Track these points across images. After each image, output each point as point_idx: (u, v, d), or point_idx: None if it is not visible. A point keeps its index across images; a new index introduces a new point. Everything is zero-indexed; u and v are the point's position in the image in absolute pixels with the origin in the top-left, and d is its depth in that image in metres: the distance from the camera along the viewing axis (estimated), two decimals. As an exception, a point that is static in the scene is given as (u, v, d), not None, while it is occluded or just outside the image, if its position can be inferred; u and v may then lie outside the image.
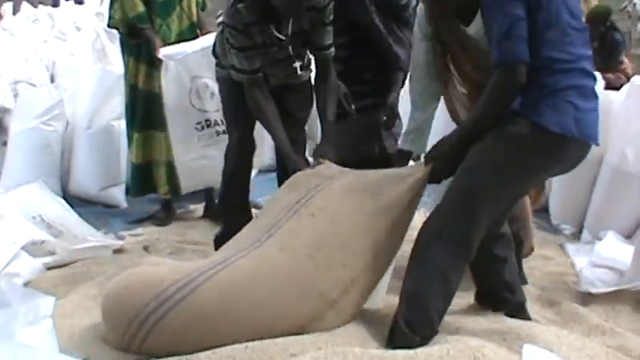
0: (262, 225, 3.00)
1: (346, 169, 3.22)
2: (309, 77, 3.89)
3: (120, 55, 5.02)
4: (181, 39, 4.70)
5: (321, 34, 3.62)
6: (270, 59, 3.61)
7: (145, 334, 2.58)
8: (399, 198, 2.94)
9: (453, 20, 3.24)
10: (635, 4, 13.31)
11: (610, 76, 7.75)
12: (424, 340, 2.73)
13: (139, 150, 4.83)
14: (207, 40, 4.53)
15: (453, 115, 3.44)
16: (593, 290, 3.71)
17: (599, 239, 4.27)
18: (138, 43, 4.70)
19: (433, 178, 2.95)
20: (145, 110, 4.75)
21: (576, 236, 4.65)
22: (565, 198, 4.15)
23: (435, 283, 2.82)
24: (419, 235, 2.90)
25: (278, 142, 3.54)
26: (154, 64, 4.62)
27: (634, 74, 7.56)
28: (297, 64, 3.71)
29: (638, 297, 3.67)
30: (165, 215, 4.97)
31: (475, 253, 2.93)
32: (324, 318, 2.73)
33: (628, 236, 4.30)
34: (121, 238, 4.56)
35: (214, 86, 4.49)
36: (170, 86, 4.56)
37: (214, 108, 4.61)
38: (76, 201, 5.05)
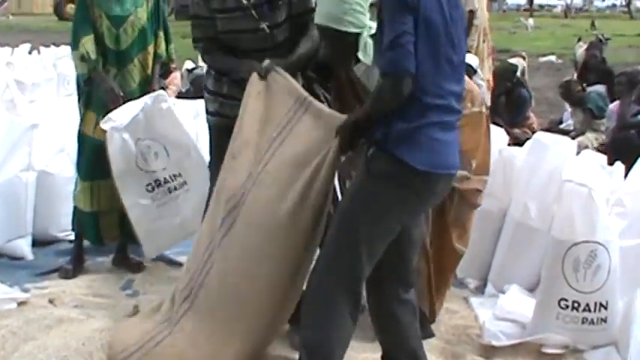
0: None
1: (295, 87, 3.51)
2: (286, 39, 3.91)
3: (29, 105, 4.97)
4: (136, 90, 4.68)
5: (295, 1, 3.82)
6: (236, 25, 3.76)
7: None
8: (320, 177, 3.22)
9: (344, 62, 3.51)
10: (575, 54, 13.76)
11: (517, 131, 8.03)
12: None
13: (87, 198, 4.75)
14: (146, 101, 4.56)
15: None
16: (496, 343, 3.82)
17: (503, 292, 4.36)
18: (88, 90, 4.66)
19: (340, 148, 3.13)
20: (92, 159, 4.67)
21: (480, 290, 4.69)
22: (469, 252, 4.23)
23: (332, 330, 2.99)
24: (308, 282, 3.07)
25: (238, 67, 3.73)
26: (102, 113, 4.56)
27: (540, 130, 7.88)
28: (264, 24, 3.77)
29: (540, 349, 3.80)
30: (74, 267, 4.87)
31: (381, 318, 3.07)
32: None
33: (531, 289, 4.38)
34: (26, 290, 4.48)
35: (157, 146, 4.58)
36: (117, 155, 4.51)
37: (161, 167, 4.63)
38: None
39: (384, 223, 3.01)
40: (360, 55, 3.33)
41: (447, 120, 2.98)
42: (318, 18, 3.36)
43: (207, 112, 4.04)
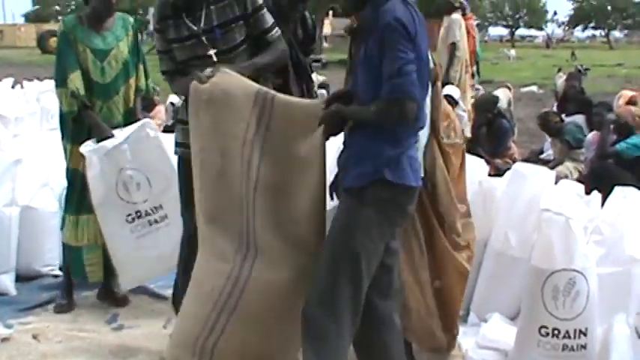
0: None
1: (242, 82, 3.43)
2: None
3: (12, 139, 4.98)
4: (121, 122, 4.73)
5: (257, 20, 3.82)
6: (191, 52, 3.77)
7: None
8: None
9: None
10: (555, 84, 13.92)
11: (498, 161, 8.11)
12: None
13: (74, 232, 4.77)
14: (132, 129, 4.61)
15: None
16: (478, 371, 3.87)
17: (485, 321, 4.41)
18: (76, 126, 4.69)
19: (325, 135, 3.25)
20: (83, 193, 4.68)
21: (463, 319, 4.66)
22: None
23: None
24: (303, 310, 3.11)
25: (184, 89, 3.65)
26: None
27: (522, 160, 7.98)
28: (212, 52, 3.77)
29: (522, 376, 3.85)
30: (68, 301, 4.89)
31: (366, 341, 3.14)
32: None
33: (512, 318, 4.42)
34: (9, 326, 4.49)
35: (140, 177, 4.59)
36: (96, 182, 4.53)
37: (142, 198, 4.63)
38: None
39: (380, 244, 3.17)
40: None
41: (416, 139, 3.26)
42: None
43: (177, 144, 4.00)
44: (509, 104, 10.75)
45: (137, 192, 4.63)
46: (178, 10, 3.70)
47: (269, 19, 3.86)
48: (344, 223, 3.15)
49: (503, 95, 10.52)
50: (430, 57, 3.37)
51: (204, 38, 3.75)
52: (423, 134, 3.61)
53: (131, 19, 4.94)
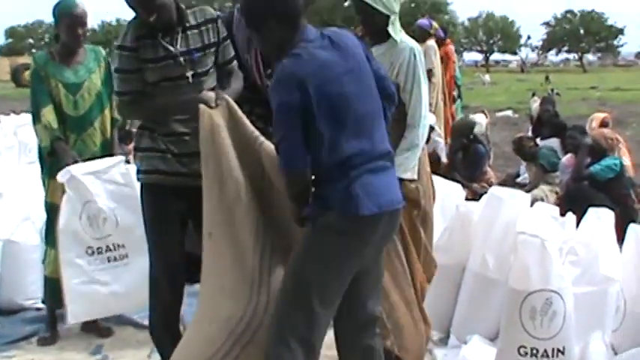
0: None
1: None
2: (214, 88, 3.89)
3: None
4: (98, 154, 4.77)
5: (225, 48, 3.87)
6: (166, 73, 3.77)
7: None
8: None
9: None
10: (530, 109, 14.10)
11: (475, 186, 8.19)
12: None
13: (55, 265, 4.72)
14: (105, 163, 4.65)
15: None
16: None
17: (465, 343, 4.46)
18: (52, 160, 4.72)
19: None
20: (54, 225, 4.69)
21: (444, 341, 4.77)
22: (431, 305, 4.35)
23: None
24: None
25: (166, 109, 3.74)
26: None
27: (498, 184, 8.08)
28: (189, 73, 3.78)
29: (502, 397, 3.92)
30: (52, 334, 4.92)
31: None
32: None
33: (492, 339, 4.47)
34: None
35: (109, 211, 4.61)
36: (64, 209, 4.54)
37: (106, 234, 4.62)
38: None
39: (338, 275, 3.15)
40: (390, 30, 3.95)
41: (374, 166, 3.16)
42: None
43: (140, 171, 3.93)
44: (485, 129, 10.87)
45: (102, 226, 4.62)
46: (155, 31, 3.74)
47: (232, 51, 3.94)
48: (298, 251, 3.18)
49: (480, 120, 10.66)
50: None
51: (181, 59, 3.77)
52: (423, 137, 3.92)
53: (103, 52, 5.02)
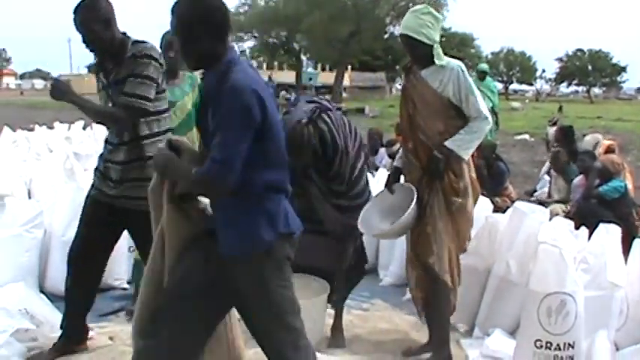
0: None
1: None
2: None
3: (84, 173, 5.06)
4: None
5: (129, 83, 3.73)
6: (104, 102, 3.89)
7: None
8: None
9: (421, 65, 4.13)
10: (546, 134, 14.08)
11: (498, 200, 8.17)
12: None
13: None
14: None
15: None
16: (483, 377, 3.96)
17: (488, 335, 4.49)
18: None
19: None
20: None
21: (469, 333, 4.81)
22: (460, 302, 4.39)
23: None
24: None
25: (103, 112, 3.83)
26: None
27: (517, 199, 8.08)
28: (110, 104, 3.85)
29: (520, 382, 3.94)
30: None
31: None
32: None
33: (511, 332, 4.50)
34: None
35: None
36: None
37: None
38: (50, 297, 5.05)
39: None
40: (435, 59, 4.04)
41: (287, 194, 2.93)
42: (403, 29, 4.05)
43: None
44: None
45: None
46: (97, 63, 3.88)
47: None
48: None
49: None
50: None
51: (109, 90, 3.85)
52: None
53: (198, 78, 5.05)
